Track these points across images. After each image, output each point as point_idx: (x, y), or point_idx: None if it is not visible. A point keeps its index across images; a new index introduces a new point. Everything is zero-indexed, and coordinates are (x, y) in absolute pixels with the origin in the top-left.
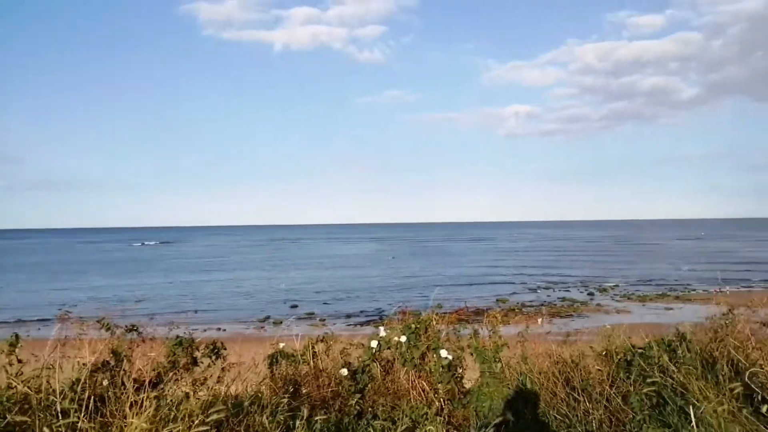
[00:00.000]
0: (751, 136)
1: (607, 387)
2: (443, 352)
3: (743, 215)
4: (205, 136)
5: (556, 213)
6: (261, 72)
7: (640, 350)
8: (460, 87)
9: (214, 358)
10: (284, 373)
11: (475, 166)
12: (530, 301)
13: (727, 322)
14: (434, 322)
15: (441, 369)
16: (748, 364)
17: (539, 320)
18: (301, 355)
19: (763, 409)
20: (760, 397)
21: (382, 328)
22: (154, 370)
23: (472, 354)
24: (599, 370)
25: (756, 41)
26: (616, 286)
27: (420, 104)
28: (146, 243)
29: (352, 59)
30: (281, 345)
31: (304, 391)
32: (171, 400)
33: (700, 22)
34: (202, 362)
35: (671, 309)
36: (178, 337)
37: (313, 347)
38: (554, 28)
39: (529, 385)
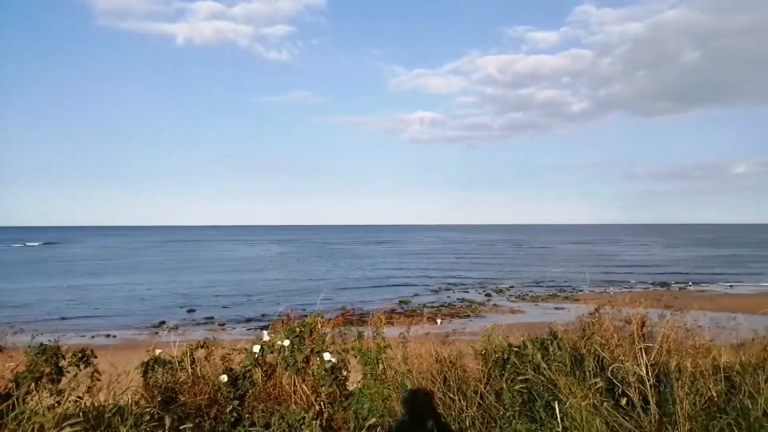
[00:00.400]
0: (633, 148)
1: (482, 385)
2: (327, 355)
3: (628, 221)
4: (96, 131)
5: (458, 217)
6: (161, 66)
7: (515, 349)
8: (367, 91)
9: (83, 366)
10: (160, 382)
11: (381, 169)
12: (431, 303)
13: (594, 320)
14: (319, 325)
15: (324, 372)
16: (611, 360)
17: (438, 321)
18: (180, 362)
19: (623, 401)
20: (620, 391)
21: (265, 332)
22: (12, 381)
23: (356, 356)
24: (480, 369)
25: (639, 61)
26: (512, 287)
27: (327, 106)
28: (28, 244)
29: (258, 58)
30: (158, 352)
31: (181, 400)
32: (19, 414)
33: (590, 41)
34: (68, 371)
35: (561, 309)
36: (41, 345)
37: (192, 353)
38: (458, 39)
39: (408, 385)
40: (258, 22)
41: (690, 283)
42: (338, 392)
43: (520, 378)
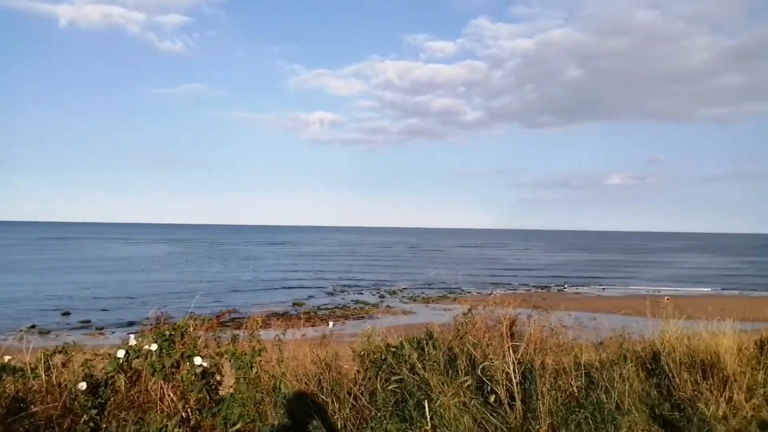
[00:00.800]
0: (520, 157)
1: (356, 387)
2: (197, 360)
3: (515, 227)
4: None
5: (357, 219)
6: (40, 49)
7: (393, 349)
8: (266, 88)
9: None
10: (8, 391)
11: (279, 169)
12: (326, 305)
13: (467, 321)
14: (192, 328)
15: (194, 377)
16: (482, 359)
17: (330, 323)
18: (33, 369)
19: (491, 398)
20: (489, 388)
21: (132, 336)
22: None
23: (230, 360)
24: (356, 370)
25: (527, 75)
26: (405, 288)
27: (224, 101)
28: None
29: (150, 47)
30: (7, 358)
31: (33, 410)
32: None
33: (484, 53)
34: None
35: (449, 309)
36: None
37: (48, 359)
38: (358, 42)
39: (283, 389)
40: (151, 9)
41: (565, 286)
42: (208, 398)
43: (395, 378)
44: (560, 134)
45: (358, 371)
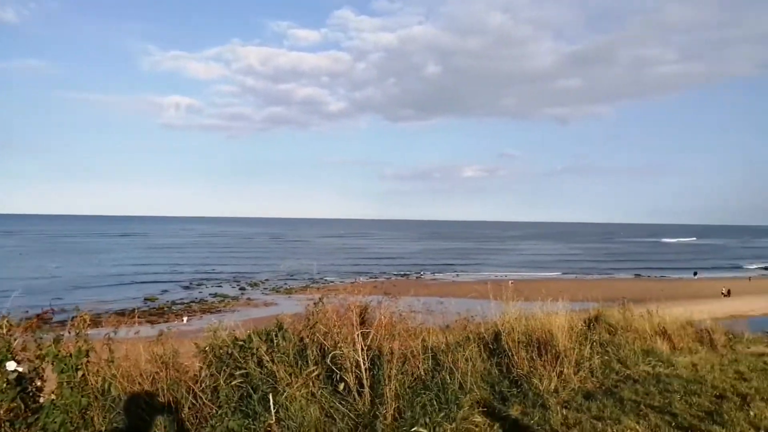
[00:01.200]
0: (384, 149)
1: (196, 384)
2: (11, 364)
3: (378, 217)
4: None
5: (218, 209)
6: None
7: (240, 343)
8: (116, 69)
9: None
10: None
11: (128, 155)
12: (181, 299)
13: (318, 309)
14: (5, 330)
15: (6, 384)
16: (332, 348)
17: (185, 318)
18: None
19: (340, 387)
20: (338, 377)
21: None
22: None
23: (52, 363)
24: (200, 367)
25: (390, 69)
26: (267, 280)
27: (66, 80)
28: None
29: None
30: None
31: None
32: None
33: (348, 45)
34: None
35: (312, 299)
36: None
37: None
38: (219, 25)
39: (113, 392)
40: None
41: (422, 273)
42: (23, 407)
43: (239, 373)
44: (421, 127)
45: (201, 368)
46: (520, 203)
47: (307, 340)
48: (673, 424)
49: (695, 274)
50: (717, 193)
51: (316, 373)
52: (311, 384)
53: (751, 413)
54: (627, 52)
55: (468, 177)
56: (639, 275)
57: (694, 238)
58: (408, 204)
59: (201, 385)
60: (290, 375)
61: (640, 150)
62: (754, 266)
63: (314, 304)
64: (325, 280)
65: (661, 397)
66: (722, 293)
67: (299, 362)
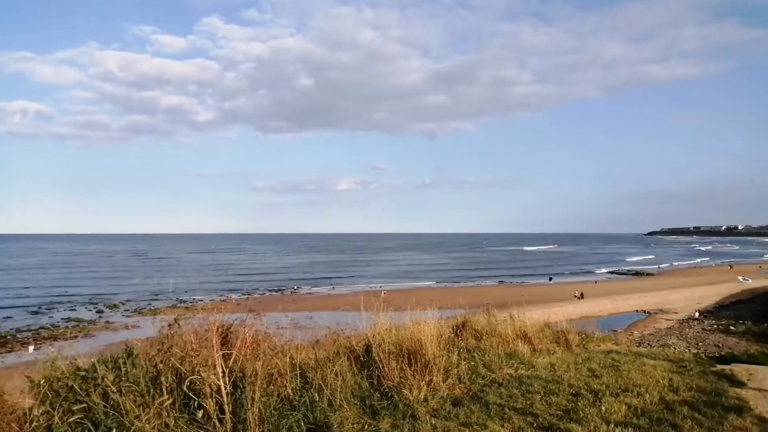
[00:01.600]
0: (255, 161)
1: (27, 425)
2: None
3: (251, 231)
4: None
5: (72, 226)
6: None
7: (83, 373)
8: None
9: None
10: None
11: None
12: (28, 326)
13: (174, 332)
14: None
15: None
16: (189, 372)
17: (30, 348)
18: None
19: (199, 414)
20: (197, 403)
21: None
22: None
23: None
24: (33, 403)
25: (261, 80)
26: (129, 301)
27: None
28: None
29: None
30: None
31: None
32: None
33: (217, 54)
34: None
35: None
36: None
37: None
38: (73, 26)
39: None
40: None
41: (297, 287)
42: None
43: (78, 408)
44: (294, 139)
45: (33, 405)
46: (392, 216)
47: (161, 366)
48: (535, 424)
49: (551, 279)
50: (573, 204)
51: (169, 401)
52: (165, 414)
53: (603, 408)
54: (488, 72)
55: (342, 190)
56: (502, 281)
57: (554, 246)
58: (282, 217)
59: (31, 426)
60: (140, 406)
61: (502, 164)
62: (603, 270)
63: (169, 325)
64: (195, 298)
65: (523, 399)
66: (575, 296)
67: (152, 391)
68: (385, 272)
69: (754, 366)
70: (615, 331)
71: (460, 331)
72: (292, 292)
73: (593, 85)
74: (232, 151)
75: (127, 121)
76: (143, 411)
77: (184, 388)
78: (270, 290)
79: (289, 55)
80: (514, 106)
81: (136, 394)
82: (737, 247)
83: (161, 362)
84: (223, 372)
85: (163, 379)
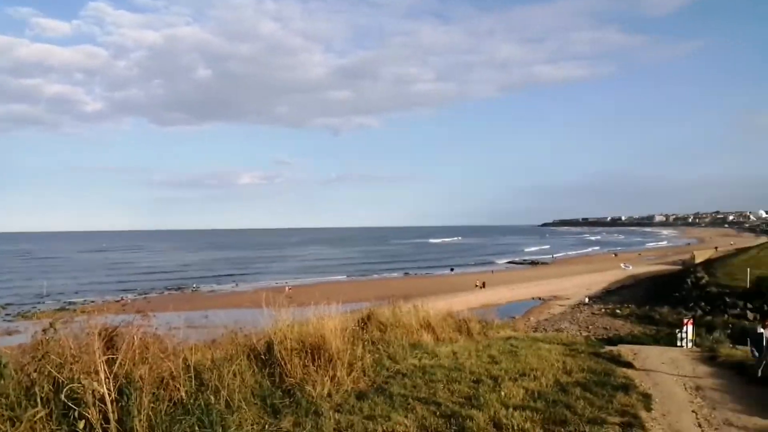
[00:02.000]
0: (151, 155)
1: None
2: None
3: (147, 228)
4: None
5: None
6: None
7: None
8: None
9: None
10: None
11: None
12: None
13: (50, 337)
14: None
15: None
16: (68, 381)
17: None
18: None
19: (80, 425)
20: (77, 413)
21: None
22: None
23: None
24: None
25: (155, 70)
26: (10, 304)
27: None
28: None
29: None
30: None
31: None
32: None
33: (105, 40)
34: None
35: (69, 323)
36: None
37: None
38: None
39: None
40: None
41: (197, 285)
42: None
43: None
44: (192, 132)
45: None
46: (298, 210)
47: (35, 376)
48: (438, 413)
49: (452, 269)
50: (476, 198)
51: (44, 413)
52: (40, 427)
53: (502, 393)
54: (390, 69)
55: (246, 184)
56: (408, 273)
57: (459, 238)
58: (182, 213)
59: None
60: (9, 420)
61: (407, 159)
62: (502, 261)
63: (44, 330)
64: (86, 300)
65: (426, 388)
66: (477, 285)
67: (23, 403)
68: (291, 267)
69: (638, 346)
70: (513, 317)
71: (366, 324)
72: (192, 290)
73: (491, 84)
74: (126, 144)
75: (5, 110)
76: (11, 426)
77: (62, 398)
78: (169, 289)
79: (185, 44)
80: (417, 103)
81: (4, 407)
82: (623, 237)
83: (35, 371)
84: (107, 378)
85: (37, 389)
